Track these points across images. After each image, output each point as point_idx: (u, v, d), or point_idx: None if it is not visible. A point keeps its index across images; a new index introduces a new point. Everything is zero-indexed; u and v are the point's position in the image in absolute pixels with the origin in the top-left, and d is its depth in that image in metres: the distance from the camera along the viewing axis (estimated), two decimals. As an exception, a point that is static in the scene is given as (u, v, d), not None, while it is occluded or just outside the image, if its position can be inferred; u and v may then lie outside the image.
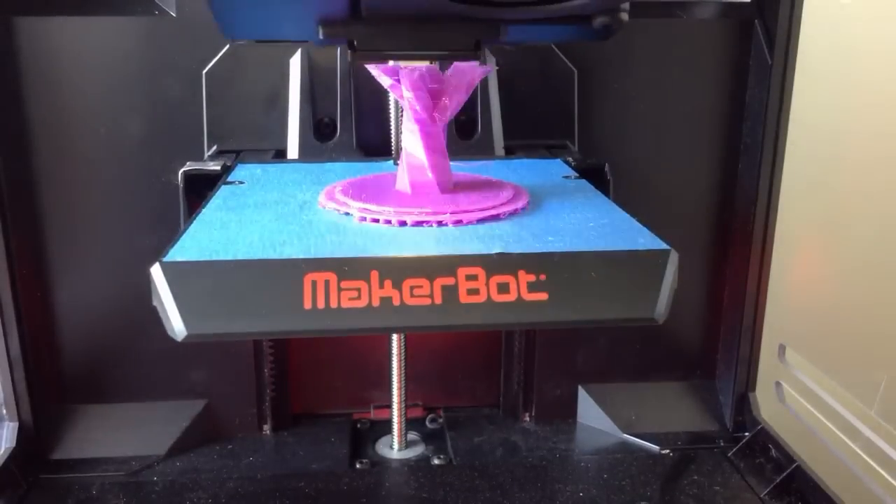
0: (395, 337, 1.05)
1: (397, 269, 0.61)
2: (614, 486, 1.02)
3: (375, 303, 0.60)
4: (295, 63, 0.99)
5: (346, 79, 0.99)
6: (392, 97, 0.95)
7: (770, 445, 1.05)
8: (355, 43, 0.67)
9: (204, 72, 0.99)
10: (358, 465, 1.06)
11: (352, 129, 0.99)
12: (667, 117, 1.07)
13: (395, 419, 1.10)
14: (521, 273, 0.62)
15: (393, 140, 0.98)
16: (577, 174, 0.88)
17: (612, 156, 1.00)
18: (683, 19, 1.04)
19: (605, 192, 0.86)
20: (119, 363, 1.09)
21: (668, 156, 1.09)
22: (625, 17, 0.68)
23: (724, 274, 1.14)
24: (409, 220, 0.69)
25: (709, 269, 1.14)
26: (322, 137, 1.00)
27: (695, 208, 1.11)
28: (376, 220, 0.70)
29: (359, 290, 0.60)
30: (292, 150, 0.99)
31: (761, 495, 0.99)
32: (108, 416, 1.09)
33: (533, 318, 0.62)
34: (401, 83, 0.72)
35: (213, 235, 0.66)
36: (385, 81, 0.73)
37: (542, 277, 0.62)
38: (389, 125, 0.98)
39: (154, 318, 0.60)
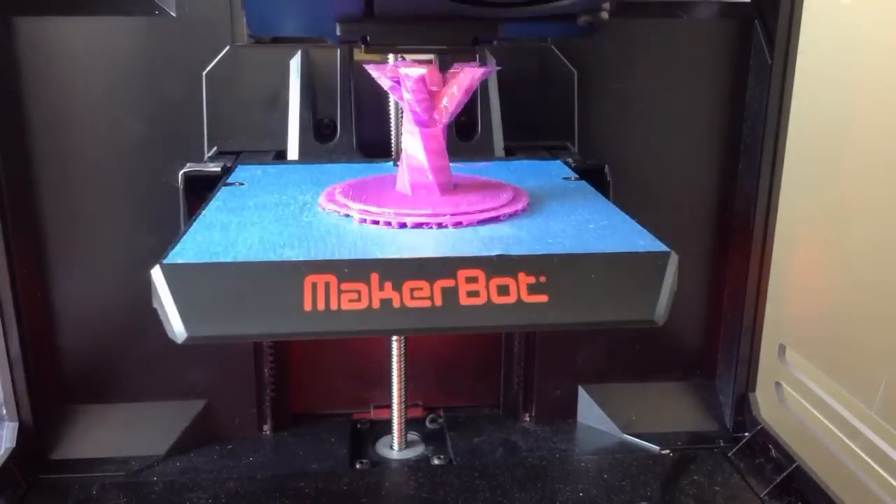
0: (395, 337, 1.05)
1: (397, 272, 0.61)
2: (614, 486, 1.02)
3: (375, 305, 0.60)
4: (295, 64, 0.99)
5: (346, 80, 0.99)
6: (392, 98, 0.95)
7: (770, 445, 1.05)
8: (368, 38, 0.72)
9: (204, 73, 0.99)
10: (358, 466, 1.06)
11: (352, 131, 0.99)
12: (667, 118, 1.07)
13: (395, 419, 1.10)
14: (521, 275, 0.62)
15: (393, 141, 0.98)
16: (576, 175, 0.88)
17: (612, 156, 1.00)
18: (683, 19, 1.04)
19: (605, 193, 0.86)
20: (119, 363, 1.09)
21: (668, 156, 1.09)
22: (605, 16, 0.73)
23: (724, 274, 1.14)
24: (409, 221, 0.69)
25: (709, 269, 1.14)
26: (322, 139, 1.00)
27: (695, 208, 1.11)
28: (376, 222, 0.70)
29: (359, 292, 0.60)
30: (292, 152, 0.98)
31: (761, 495, 1.00)
32: (108, 416, 1.09)
33: (533, 321, 0.62)
34: (401, 85, 0.72)
35: (213, 237, 0.66)
36: (385, 83, 0.73)
37: (542, 279, 0.62)
38: (389, 126, 0.98)
39: (154, 318, 0.61)
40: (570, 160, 0.95)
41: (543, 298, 0.61)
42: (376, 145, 1.00)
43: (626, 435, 1.12)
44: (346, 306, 0.60)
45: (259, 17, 0.79)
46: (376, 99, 0.97)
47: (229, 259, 0.61)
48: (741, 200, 1.09)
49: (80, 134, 1.00)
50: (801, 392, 1.08)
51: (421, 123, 0.73)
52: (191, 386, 1.10)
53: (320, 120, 1.00)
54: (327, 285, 0.60)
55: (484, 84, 0.98)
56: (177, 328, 0.59)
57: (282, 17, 0.78)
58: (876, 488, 0.95)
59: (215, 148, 1.01)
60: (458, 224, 0.69)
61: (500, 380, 1.20)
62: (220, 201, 0.77)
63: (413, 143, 0.74)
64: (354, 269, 0.61)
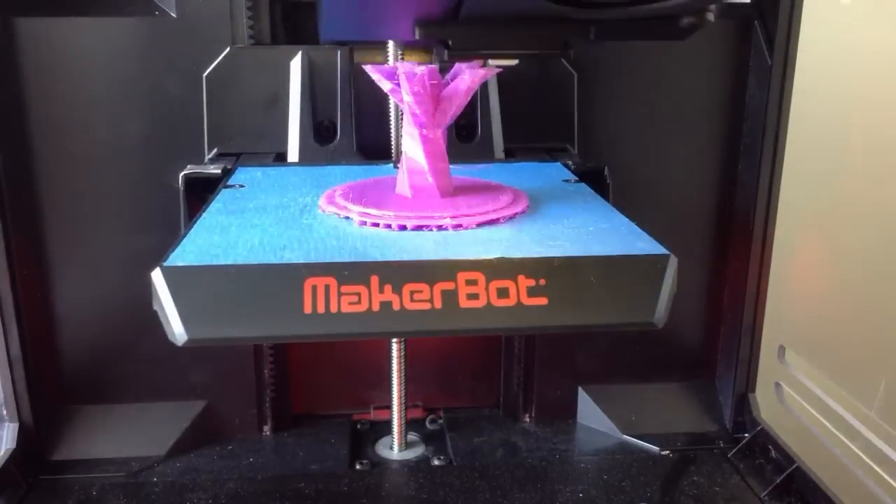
0: (395, 339, 1.05)
1: (397, 274, 0.61)
2: (614, 486, 1.02)
3: (375, 307, 0.60)
4: (295, 66, 0.99)
5: (347, 82, 0.99)
6: (392, 100, 0.95)
7: (770, 446, 1.05)
8: (450, 42, 0.69)
9: (204, 75, 0.99)
10: (358, 466, 1.06)
11: (352, 133, 0.99)
12: (666, 118, 1.07)
13: (395, 420, 1.10)
14: (521, 278, 0.62)
15: (393, 143, 0.98)
16: (576, 178, 0.88)
17: (612, 157, 1.01)
18: (683, 20, 1.04)
19: (605, 195, 0.86)
20: (119, 364, 1.09)
21: (667, 156, 1.09)
22: (711, 17, 0.69)
23: (724, 274, 1.14)
24: (409, 224, 0.69)
25: (709, 270, 1.14)
26: (322, 140, 1.00)
27: (695, 209, 1.11)
28: (376, 225, 0.70)
29: (359, 294, 0.60)
30: (293, 154, 0.99)
31: (761, 496, 1.00)
32: (108, 416, 1.09)
33: (532, 323, 0.62)
34: (401, 87, 0.72)
35: (213, 239, 0.66)
36: (385, 86, 0.73)
37: (542, 282, 0.62)
38: (390, 128, 0.98)
39: (154, 319, 0.61)
40: (569, 162, 0.96)
41: (543, 301, 0.62)
42: (376, 147, 1.00)
43: (626, 435, 1.12)
44: (346, 309, 0.60)
45: (335, 21, 0.77)
46: (377, 101, 0.97)
47: (229, 261, 0.61)
48: (741, 200, 1.09)
49: (80, 134, 1.00)
50: (800, 393, 1.09)
51: (421, 126, 0.73)
52: (191, 386, 1.10)
53: (320, 122, 1.00)
54: (327, 288, 0.60)
55: (484, 86, 0.98)
56: (177, 330, 0.59)
57: (359, 20, 0.76)
58: (876, 488, 0.95)
59: (215, 150, 1.01)
60: (457, 227, 0.69)
61: (500, 380, 1.20)
62: (220, 203, 0.77)
63: (413, 146, 0.74)
64: (354, 272, 0.61)
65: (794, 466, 0.99)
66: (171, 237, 0.67)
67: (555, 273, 0.62)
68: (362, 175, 0.87)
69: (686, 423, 1.14)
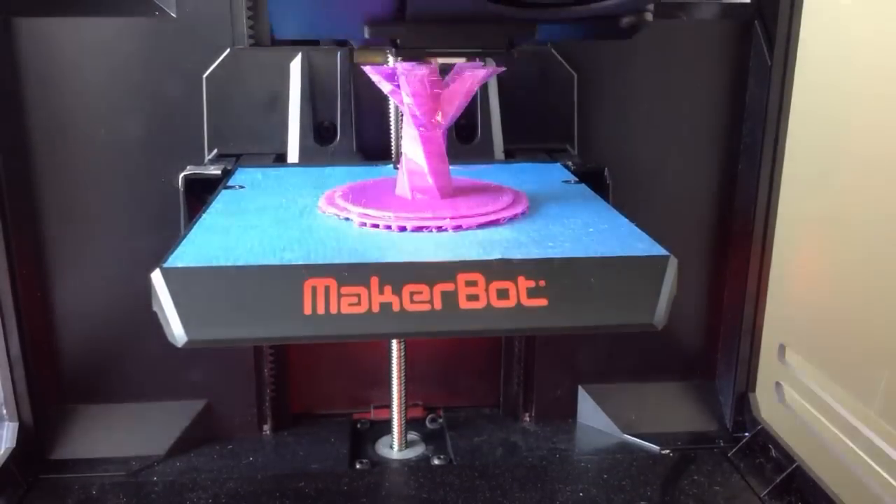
0: (394, 339, 1.05)
1: (397, 275, 0.61)
2: (614, 486, 1.02)
3: (375, 309, 0.60)
4: (295, 67, 0.99)
5: (347, 83, 0.99)
6: (392, 101, 0.95)
7: (770, 445, 1.05)
8: (398, 41, 0.69)
9: (204, 76, 0.99)
10: (358, 466, 1.06)
11: (352, 133, 0.99)
12: (667, 119, 1.07)
13: (395, 419, 1.10)
14: (521, 279, 0.62)
15: (393, 144, 0.98)
16: (576, 178, 0.88)
17: (612, 158, 1.01)
18: (683, 20, 1.04)
19: (605, 196, 0.86)
20: (119, 363, 1.09)
21: (668, 156, 1.09)
22: (649, 17, 0.71)
23: (724, 274, 1.14)
24: (409, 225, 0.69)
25: (709, 269, 1.14)
26: (322, 141, 1.00)
27: (695, 209, 1.11)
28: (376, 226, 0.70)
29: (359, 295, 0.60)
30: (292, 154, 0.99)
31: (761, 495, 1.00)
32: (108, 416, 1.09)
33: (532, 324, 0.62)
34: (401, 89, 0.72)
35: (213, 241, 0.66)
36: (385, 87, 0.73)
37: (542, 283, 0.62)
38: (389, 129, 0.98)
39: (154, 319, 0.61)
40: (569, 163, 0.96)
41: (543, 302, 0.61)
42: (376, 148, 1.00)
43: (626, 435, 1.12)
44: (345, 310, 0.60)
45: (283, 19, 0.78)
46: (376, 102, 0.98)
47: (229, 263, 0.61)
48: (741, 200, 1.09)
49: (80, 134, 1.00)
50: (801, 392, 1.08)
51: (421, 127, 0.73)
52: (191, 386, 1.11)
53: (320, 123, 1.00)
54: (327, 289, 0.60)
55: (484, 87, 0.98)
56: (177, 332, 0.59)
57: (307, 19, 0.77)
58: (876, 488, 0.95)
59: (215, 150, 1.01)
60: (457, 228, 0.69)
61: (500, 380, 1.20)
62: (220, 204, 0.77)
63: (413, 147, 0.74)
64: (354, 273, 0.61)
65: (794, 466, 0.99)
66: (171, 237, 0.67)
67: (555, 274, 0.62)
68: (362, 176, 0.87)
69: (686, 423, 1.14)
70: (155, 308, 0.60)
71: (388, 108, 0.98)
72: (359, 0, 0.67)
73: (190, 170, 0.93)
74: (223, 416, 1.12)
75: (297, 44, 1.01)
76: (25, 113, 0.99)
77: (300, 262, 0.61)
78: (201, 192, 0.90)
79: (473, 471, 1.04)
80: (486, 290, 0.61)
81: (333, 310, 0.60)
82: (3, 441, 1.02)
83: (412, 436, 1.13)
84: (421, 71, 0.71)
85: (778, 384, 1.11)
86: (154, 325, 0.61)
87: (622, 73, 1.05)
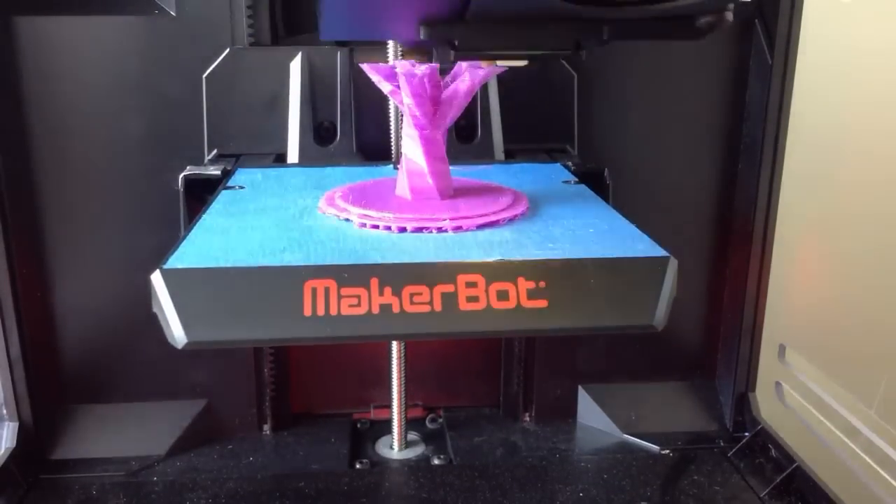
0: (394, 339, 1.05)
1: (397, 276, 0.61)
2: (614, 486, 1.02)
3: (375, 310, 0.60)
4: (295, 67, 0.99)
5: (347, 83, 0.99)
6: (393, 101, 0.95)
7: (770, 445, 1.05)
8: (456, 43, 0.66)
9: (204, 76, 0.99)
10: (358, 465, 1.06)
11: (352, 134, 0.99)
12: (667, 118, 1.07)
13: (395, 419, 1.10)
14: (521, 280, 0.62)
15: (393, 144, 0.98)
16: (576, 179, 0.88)
17: (612, 157, 1.01)
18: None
19: (605, 196, 0.86)
20: (119, 363, 1.09)
21: (668, 156, 1.09)
22: (730, 16, 0.67)
23: (724, 274, 1.14)
24: (408, 226, 0.69)
25: (709, 270, 1.14)
26: (322, 141, 1.00)
27: (695, 209, 1.11)
28: (376, 227, 0.70)
29: (359, 297, 0.60)
30: (292, 155, 0.99)
31: (761, 495, 1.00)
32: (108, 416, 1.09)
33: (532, 326, 0.62)
34: (401, 89, 0.72)
35: (213, 242, 0.66)
36: (385, 87, 0.73)
37: (542, 285, 0.62)
38: (390, 129, 0.98)
39: (153, 319, 0.61)
40: (569, 163, 0.95)
41: (543, 304, 0.62)
42: (376, 148, 1.00)
43: (626, 435, 1.12)
44: (345, 311, 0.60)
45: (335, 20, 0.76)
46: (377, 102, 0.97)
47: (229, 264, 0.61)
48: (741, 201, 1.09)
49: (80, 134, 1.00)
50: (801, 392, 1.09)
51: (421, 127, 0.73)
52: (191, 386, 1.11)
53: (320, 123, 1.00)
54: (327, 290, 0.60)
55: (484, 87, 0.98)
56: (177, 333, 0.59)
57: (360, 20, 0.74)
58: (876, 488, 0.95)
59: (215, 151, 1.01)
60: (457, 228, 0.69)
61: (500, 380, 1.20)
62: (220, 205, 0.77)
63: (413, 147, 0.74)
64: (354, 274, 0.61)
65: (794, 466, 0.99)
66: (171, 237, 0.67)
67: (555, 275, 0.62)
68: (362, 176, 0.87)
69: (686, 423, 1.14)
70: (155, 309, 0.61)
71: (389, 108, 0.98)
72: None
73: (190, 170, 0.93)
74: (223, 416, 1.12)
75: (297, 43, 1.01)
76: (25, 112, 0.99)
77: (300, 264, 0.61)
78: (201, 193, 0.90)
79: (473, 471, 1.04)
80: (486, 291, 0.61)
81: (333, 311, 0.60)
82: (3, 441, 1.02)
83: (412, 436, 1.13)
84: (421, 71, 0.71)
85: (778, 384, 1.12)
86: (154, 324, 0.61)
87: (622, 73, 1.05)
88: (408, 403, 1.10)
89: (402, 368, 1.07)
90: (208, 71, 0.99)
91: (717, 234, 1.12)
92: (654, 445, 1.10)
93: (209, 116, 1.00)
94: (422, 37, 0.66)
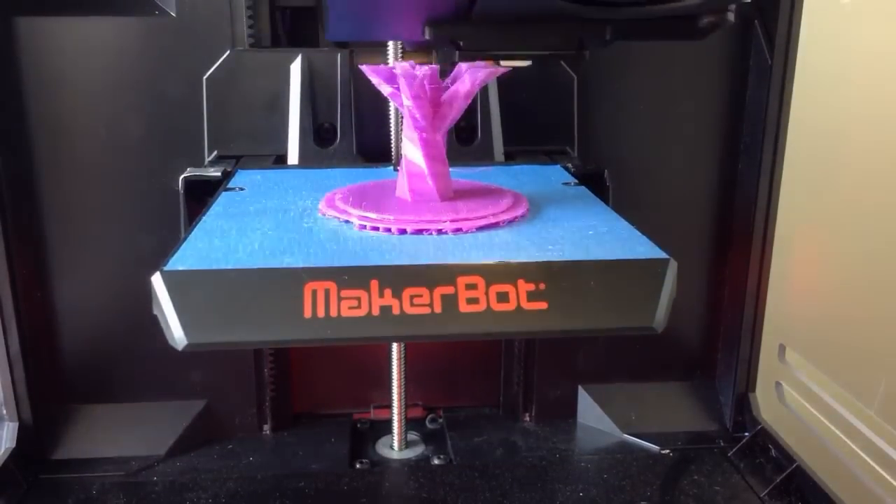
0: (394, 339, 1.05)
1: (397, 278, 0.61)
2: (614, 486, 1.02)
3: (375, 312, 0.60)
4: (295, 68, 0.99)
5: (347, 84, 0.99)
6: (393, 102, 0.95)
7: (770, 445, 1.05)
8: (461, 43, 0.68)
9: (205, 77, 0.99)
10: (358, 465, 1.06)
11: (352, 135, 0.99)
12: (666, 119, 1.07)
13: (395, 419, 1.10)
14: (521, 282, 0.62)
15: (393, 146, 0.98)
16: (576, 181, 0.88)
17: (612, 158, 1.01)
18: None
19: (605, 198, 0.86)
20: (119, 363, 1.09)
21: (668, 157, 1.09)
22: (731, 17, 0.68)
23: (724, 274, 1.14)
24: (408, 228, 0.69)
25: (709, 270, 1.14)
26: (322, 143, 1.00)
27: (695, 209, 1.11)
28: (376, 229, 0.69)
29: (359, 298, 0.60)
30: (292, 156, 0.99)
31: (761, 495, 1.00)
32: (108, 416, 1.10)
33: (532, 328, 0.62)
34: (400, 91, 0.72)
35: (213, 243, 0.66)
36: (385, 89, 0.73)
37: (542, 286, 0.62)
38: (390, 130, 0.98)
39: (153, 319, 0.61)
40: (569, 165, 0.95)
41: (543, 305, 0.61)
42: (376, 150, 1.00)
43: (626, 435, 1.12)
44: (345, 313, 0.60)
45: (342, 20, 0.76)
46: (377, 103, 0.98)
47: (230, 266, 0.61)
48: (741, 200, 1.09)
49: (80, 134, 1.00)
50: (801, 392, 1.09)
51: (421, 130, 0.73)
52: (191, 386, 1.11)
53: (321, 124, 1.00)
54: (327, 292, 0.60)
55: (484, 88, 0.98)
56: (177, 335, 0.59)
57: (366, 20, 0.75)
58: (876, 488, 0.95)
59: (216, 152, 1.01)
60: (457, 230, 0.69)
61: (500, 380, 1.20)
62: (220, 207, 0.77)
63: (413, 149, 0.74)
64: (354, 276, 0.61)
65: (794, 466, 0.99)
66: (171, 237, 0.67)
67: (555, 277, 0.62)
68: (362, 178, 0.87)
69: (686, 423, 1.15)
70: (155, 311, 0.60)
71: (389, 109, 0.98)
72: None
73: (190, 171, 0.93)
74: (223, 416, 1.12)
75: (297, 45, 1.01)
76: (25, 112, 0.99)
77: (300, 266, 0.61)
78: (201, 194, 0.90)
79: (473, 471, 1.04)
80: (486, 293, 0.61)
81: (333, 313, 0.60)
82: (3, 441, 1.02)
83: (412, 436, 1.13)
84: (420, 72, 0.71)
85: (778, 384, 1.12)
86: (154, 325, 0.61)
87: (622, 74, 1.05)
88: (408, 403, 1.10)
89: (403, 368, 1.07)
90: (209, 73, 0.99)
91: (717, 234, 1.13)
92: (654, 445, 1.10)
93: (209, 118, 1.00)
94: (427, 37, 0.67)
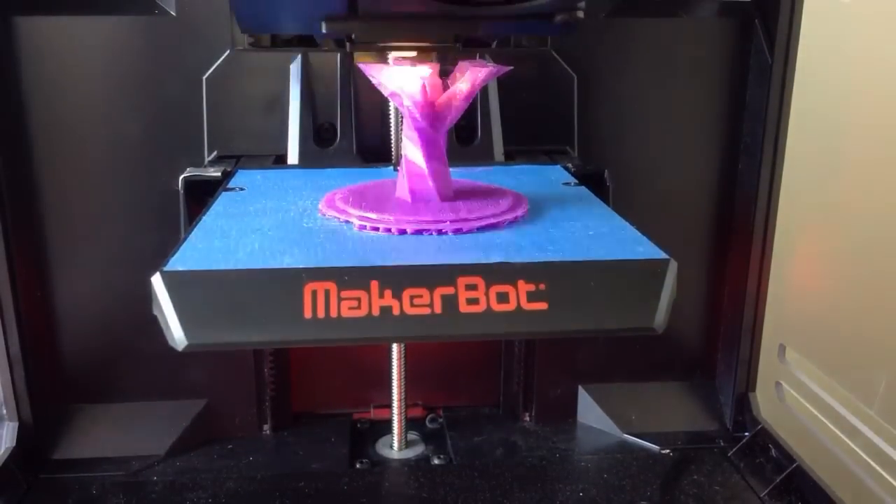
0: (394, 337, 1.05)
1: (397, 279, 0.61)
2: (614, 486, 1.02)
3: (375, 312, 0.60)
4: (295, 68, 0.99)
5: (347, 84, 0.99)
6: (393, 102, 0.95)
7: (770, 445, 1.05)
8: (353, 36, 0.74)
9: (204, 77, 0.99)
10: (358, 465, 1.06)
11: (352, 135, 0.99)
12: (667, 118, 1.07)
13: (395, 419, 1.10)
14: (521, 282, 0.62)
15: (393, 146, 0.98)
16: (576, 181, 0.88)
17: (612, 158, 1.01)
18: (683, 19, 1.04)
19: (605, 198, 0.86)
20: (119, 363, 1.09)
21: (668, 156, 1.09)
22: (580, 14, 0.73)
23: (725, 274, 1.14)
24: (409, 228, 0.69)
25: (709, 269, 1.14)
26: (322, 143, 1.00)
27: (695, 209, 1.11)
28: (376, 229, 0.70)
29: (359, 299, 0.60)
30: (292, 156, 0.99)
31: (761, 495, 1.00)
32: (108, 416, 1.09)
33: (532, 328, 0.62)
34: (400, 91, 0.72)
35: (213, 244, 0.66)
36: (385, 90, 0.73)
37: (542, 287, 0.62)
38: (390, 130, 0.98)
39: (153, 318, 0.61)
40: (569, 165, 0.95)
41: (543, 306, 0.61)
42: (376, 150, 1.00)
43: (626, 435, 1.12)
44: (346, 314, 0.60)
45: (248, 14, 0.80)
46: (377, 103, 0.98)
47: (229, 266, 0.61)
48: (741, 200, 1.09)
49: (80, 134, 1.00)
50: (801, 392, 1.09)
51: (421, 130, 0.73)
52: (191, 386, 1.11)
53: (320, 124, 1.00)
54: (327, 293, 0.60)
55: (484, 88, 0.98)
56: (177, 336, 0.59)
57: (270, 15, 0.78)
58: (876, 488, 0.95)
59: (215, 152, 1.01)
60: (457, 231, 0.69)
61: (500, 380, 1.20)
62: (220, 207, 0.77)
63: (413, 149, 0.74)
64: (354, 277, 0.61)
65: (795, 465, 0.99)
66: (170, 236, 0.67)
67: (555, 278, 0.62)
68: (362, 178, 0.87)
69: (686, 423, 1.14)
70: (155, 312, 0.61)
71: (388, 109, 0.98)
72: None
73: (190, 171, 0.93)
74: (223, 416, 1.12)
75: (296, 45, 1.01)
76: (25, 113, 0.99)
77: (300, 266, 0.61)
78: (201, 194, 0.90)
79: (473, 471, 1.04)
80: (487, 293, 0.61)
81: (333, 314, 0.60)
82: (3, 441, 1.02)
83: (412, 436, 1.13)
84: (423, 69, 0.71)
85: (778, 384, 1.12)
86: (154, 324, 0.61)
87: (622, 74, 1.05)
88: (408, 403, 1.10)
89: (403, 368, 1.07)
90: (208, 73, 0.99)
91: (717, 234, 1.12)
92: (654, 445, 1.10)
93: (209, 118, 1.00)
94: (323, 31, 0.72)
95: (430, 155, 0.74)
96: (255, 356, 1.10)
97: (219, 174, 0.92)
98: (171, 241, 0.66)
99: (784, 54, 1.01)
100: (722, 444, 1.11)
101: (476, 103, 0.99)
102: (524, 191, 0.80)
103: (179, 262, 0.62)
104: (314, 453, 1.09)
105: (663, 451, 1.09)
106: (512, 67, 0.75)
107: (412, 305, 0.61)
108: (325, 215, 0.74)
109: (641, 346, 1.16)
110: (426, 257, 0.64)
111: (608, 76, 1.05)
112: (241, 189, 0.84)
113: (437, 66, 0.72)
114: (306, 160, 0.98)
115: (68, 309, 1.06)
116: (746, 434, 1.10)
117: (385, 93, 0.74)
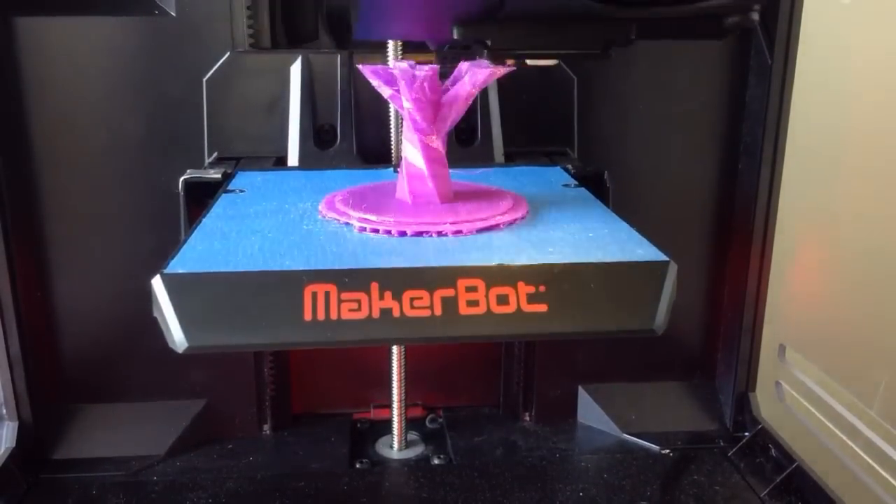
0: (394, 337, 1.05)
1: (397, 281, 0.61)
2: (614, 486, 1.02)
3: (375, 314, 0.60)
4: (295, 70, 0.99)
5: (347, 86, 0.99)
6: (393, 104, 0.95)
7: (770, 445, 1.05)
8: (489, 42, 0.69)
9: (205, 79, 0.99)
10: (358, 465, 1.06)
11: (352, 137, 0.99)
12: (667, 119, 1.07)
13: (395, 419, 1.10)
14: (521, 284, 0.62)
15: (393, 147, 0.98)
16: (576, 182, 0.88)
17: (612, 158, 1.01)
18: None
19: (605, 199, 0.86)
20: (119, 363, 1.09)
21: (668, 158, 1.09)
22: (755, 17, 0.70)
23: (725, 274, 1.14)
24: (409, 230, 0.69)
25: (709, 270, 1.14)
26: (322, 145, 1.00)
27: (695, 209, 1.11)
28: (376, 231, 0.70)
29: (359, 301, 0.60)
30: (292, 158, 0.99)
31: (761, 495, 1.00)
32: (108, 416, 1.09)
33: (532, 330, 0.62)
34: (400, 93, 0.72)
35: (213, 246, 0.66)
36: (385, 91, 0.73)
37: (542, 289, 0.62)
38: (390, 132, 0.98)
39: (153, 319, 0.61)
40: (569, 166, 0.95)
41: (543, 308, 0.62)
42: (376, 152, 1.00)
43: (626, 435, 1.12)
44: (346, 316, 0.60)
45: (371, 20, 0.78)
46: (377, 105, 0.98)
47: (230, 269, 0.61)
48: (741, 200, 1.09)
49: (80, 134, 1.00)
50: (801, 392, 1.09)
51: (421, 132, 0.73)
52: (191, 386, 1.11)
53: (321, 126, 1.00)
54: (327, 295, 0.60)
55: (484, 90, 0.98)
56: (177, 338, 0.60)
57: (395, 20, 0.77)
58: (876, 488, 0.95)
59: (215, 154, 1.01)
60: (457, 233, 0.69)
61: (500, 379, 1.20)
62: (220, 209, 0.77)
63: (413, 151, 0.74)
64: (354, 279, 0.61)
65: (795, 465, 0.99)
66: (170, 237, 0.67)
67: (555, 280, 0.62)
68: (362, 180, 0.87)
69: (686, 423, 1.14)
70: (155, 314, 0.61)
71: (389, 111, 0.98)
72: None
73: (190, 173, 0.93)
74: (223, 416, 1.12)
75: (296, 47, 1.01)
76: (25, 112, 0.99)
77: (300, 268, 0.61)
78: (201, 196, 0.90)
79: (473, 471, 1.04)
80: (486, 295, 0.61)
81: (334, 316, 0.60)
82: (3, 441, 1.02)
83: (412, 436, 1.13)
84: (421, 74, 0.71)
85: (778, 384, 1.12)
86: (153, 324, 0.61)
87: (622, 75, 1.05)
88: (408, 403, 1.10)
89: (403, 368, 1.07)
90: (209, 74, 0.99)
91: (718, 235, 1.12)
92: (654, 445, 1.10)
93: (209, 119, 1.00)
94: (456, 36, 0.68)
95: (430, 157, 0.74)
96: (255, 356, 1.10)
97: (219, 176, 0.92)
98: (170, 242, 0.66)
99: (784, 54, 1.01)
100: (722, 444, 1.11)
101: (476, 105, 0.99)
102: (524, 192, 0.81)
103: (179, 264, 0.62)
104: (314, 453, 1.09)
105: (663, 451, 1.09)
106: (513, 68, 0.75)
107: (412, 307, 0.61)
108: (325, 217, 0.74)
109: (641, 347, 1.16)
110: (426, 259, 0.64)
111: (608, 77, 1.05)
112: (241, 191, 0.84)
113: (436, 68, 0.72)
114: (306, 162, 0.98)
115: (68, 309, 1.06)
116: (746, 434, 1.10)
117: (385, 95, 0.74)
